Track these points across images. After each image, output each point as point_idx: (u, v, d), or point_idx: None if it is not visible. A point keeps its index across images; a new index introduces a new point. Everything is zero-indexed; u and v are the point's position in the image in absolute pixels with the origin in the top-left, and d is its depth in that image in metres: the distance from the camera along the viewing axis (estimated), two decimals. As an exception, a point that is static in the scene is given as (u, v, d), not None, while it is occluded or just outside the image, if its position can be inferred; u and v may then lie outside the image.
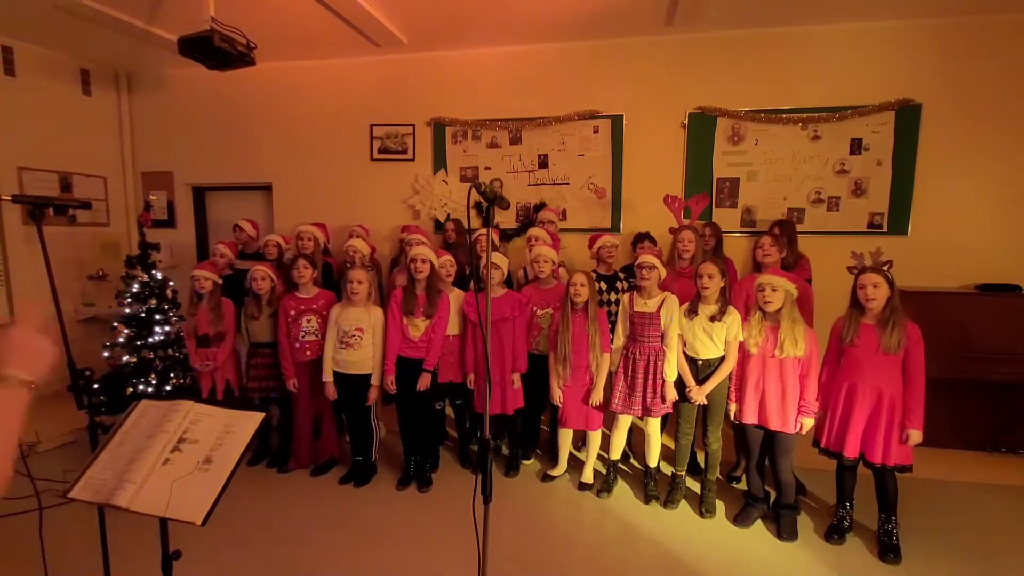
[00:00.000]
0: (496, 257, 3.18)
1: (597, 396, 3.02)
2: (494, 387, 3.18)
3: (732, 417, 2.80)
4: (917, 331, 2.45)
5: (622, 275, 3.59)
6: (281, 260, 3.78)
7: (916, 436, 2.44)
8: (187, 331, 3.44)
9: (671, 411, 2.98)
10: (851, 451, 2.54)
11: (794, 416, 2.64)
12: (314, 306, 3.23)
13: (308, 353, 3.21)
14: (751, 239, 4.22)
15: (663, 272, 2.97)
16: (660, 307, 2.90)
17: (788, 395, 2.63)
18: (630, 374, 2.95)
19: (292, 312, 3.22)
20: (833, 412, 2.62)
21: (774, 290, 2.60)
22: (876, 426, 2.49)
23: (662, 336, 2.90)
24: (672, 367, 2.89)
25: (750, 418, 2.73)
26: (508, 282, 3.57)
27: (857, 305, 2.53)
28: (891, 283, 2.45)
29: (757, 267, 3.75)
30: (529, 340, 3.26)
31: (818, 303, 3.31)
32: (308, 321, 3.20)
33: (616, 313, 3.11)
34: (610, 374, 3.04)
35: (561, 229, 4.33)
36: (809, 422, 2.63)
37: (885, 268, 2.49)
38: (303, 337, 3.20)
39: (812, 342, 2.63)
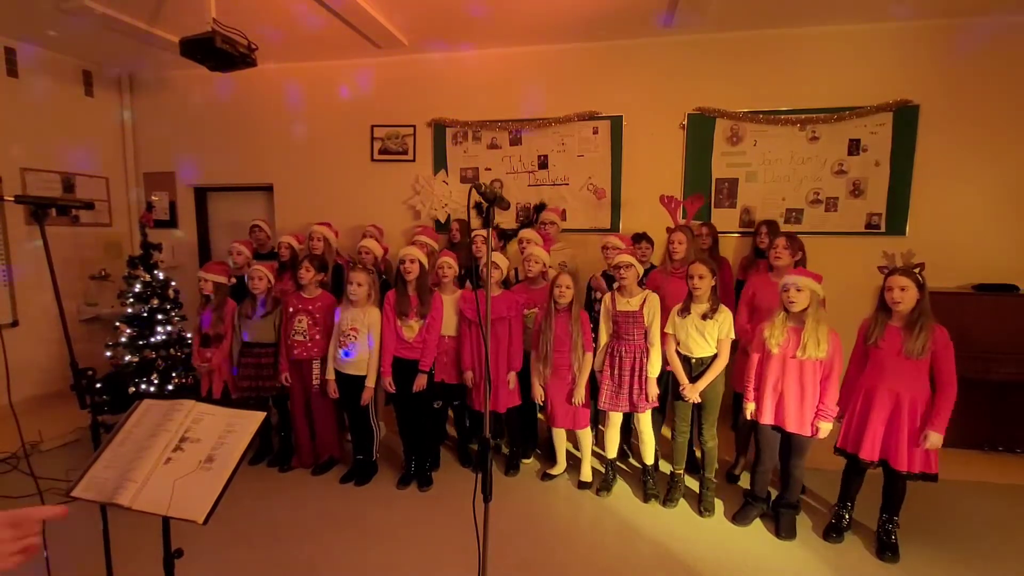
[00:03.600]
0: (496, 257, 3.20)
1: (579, 395, 3.04)
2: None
3: (748, 416, 2.76)
4: (945, 335, 2.36)
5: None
6: (295, 260, 3.77)
7: (935, 439, 2.37)
8: (194, 329, 3.50)
9: (657, 405, 3.00)
10: (867, 453, 2.49)
11: (811, 419, 2.58)
12: (309, 307, 3.24)
13: (295, 352, 3.24)
14: (751, 239, 4.24)
15: (640, 269, 3.00)
16: (642, 305, 2.93)
17: (807, 397, 2.57)
18: (616, 372, 2.98)
19: (290, 309, 3.26)
20: (852, 413, 2.57)
21: (799, 290, 2.52)
22: (898, 431, 2.43)
23: (645, 333, 2.93)
24: (655, 365, 2.91)
25: (767, 418, 2.68)
26: (505, 283, 3.58)
27: (884, 307, 2.46)
28: (921, 286, 2.36)
29: (749, 264, 3.77)
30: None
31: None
32: (299, 321, 3.22)
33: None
34: (597, 373, 3.07)
35: (561, 230, 4.33)
36: (827, 426, 2.55)
37: (916, 271, 2.40)
38: (293, 336, 3.23)
39: (835, 345, 2.55)
